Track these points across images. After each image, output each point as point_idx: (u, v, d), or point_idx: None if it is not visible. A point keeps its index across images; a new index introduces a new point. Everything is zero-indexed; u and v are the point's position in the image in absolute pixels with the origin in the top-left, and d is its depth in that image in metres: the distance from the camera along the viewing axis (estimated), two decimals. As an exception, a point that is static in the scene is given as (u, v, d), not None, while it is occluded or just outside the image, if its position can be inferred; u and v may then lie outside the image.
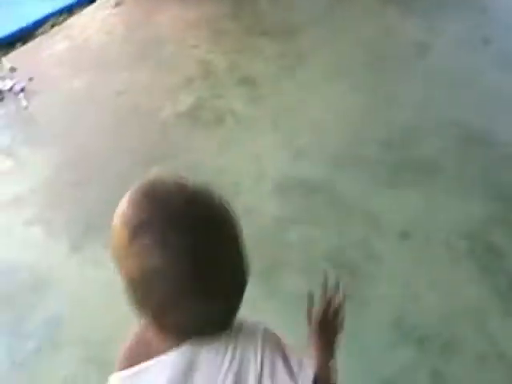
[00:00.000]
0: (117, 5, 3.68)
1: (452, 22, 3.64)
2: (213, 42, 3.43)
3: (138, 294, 1.05)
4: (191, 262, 1.00)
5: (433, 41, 3.49)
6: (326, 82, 3.24)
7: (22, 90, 3.06)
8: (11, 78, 3.11)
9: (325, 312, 1.44)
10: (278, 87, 3.18)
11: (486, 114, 3.13)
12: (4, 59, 3.23)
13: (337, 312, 1.45)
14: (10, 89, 3.06)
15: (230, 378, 1.14)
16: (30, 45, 3.39)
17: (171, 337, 1.12)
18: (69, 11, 3.61)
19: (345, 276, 2.38)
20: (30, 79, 3.11)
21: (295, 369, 1.18)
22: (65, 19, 3.56)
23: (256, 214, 2.41)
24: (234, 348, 1.16)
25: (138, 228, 1.01)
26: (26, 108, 2.99)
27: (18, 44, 3.38)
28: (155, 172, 1.03)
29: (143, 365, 1.16)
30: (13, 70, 3.16)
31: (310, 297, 1.38)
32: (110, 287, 2.18)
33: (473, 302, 2.34)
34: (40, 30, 3.47)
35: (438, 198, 2.71)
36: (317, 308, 1.40)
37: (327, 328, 1.45)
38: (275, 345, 1.19)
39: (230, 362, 1.16)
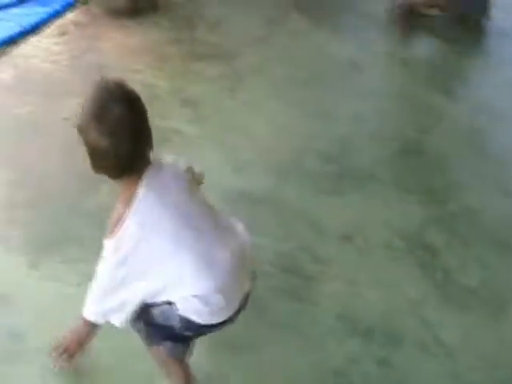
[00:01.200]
0: (61, 34, 3.75)
1: (378, 40, 3.84)
2: (155, 67, 3.54)
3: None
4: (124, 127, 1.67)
5: (363, 58, 3.67)
6: (265, 101, 3.39)
7: (-31, 118, 3.11)
8: (-42, 107, 3.16)
9: None
10: (220, 107, 3.31)
11: (416, 126, 3.32)
12: (-50, 88, 3.28)
13: None
14: (-43, 117, 3.10)
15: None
16: (-24, 74, 3.43)
17: (126, 181, 1.74)
18: (13, 41, 3.66)
19: (292, 279, 2.51)
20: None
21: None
22: (9, 49, 3.61)
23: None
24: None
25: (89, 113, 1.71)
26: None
27: (-36, 74, 3.42)
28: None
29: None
30: (-41, 98, 3.20)
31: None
32: (69, 301, 2.26)
33: (413, 296, 2.49)
34: (-14, 60, 3.52)
35: (377, 204, 2.87)
36: None
37: None
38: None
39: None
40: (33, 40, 3.72)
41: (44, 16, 3.88)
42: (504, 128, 3.38)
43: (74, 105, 3.15)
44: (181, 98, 3.36)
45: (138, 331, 1.94)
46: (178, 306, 1.80)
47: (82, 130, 1.72)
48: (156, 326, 1.88)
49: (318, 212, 2.78)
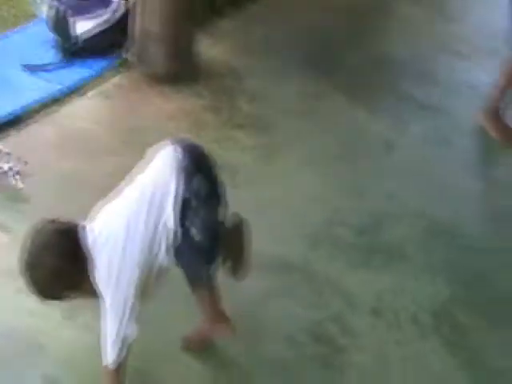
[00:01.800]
0: (103, 97, 4.01)
1: (416, 122, 4.05)
2: (193, 132, 3.76)
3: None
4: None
5: (398, 139, 3.88)
6: (299, 172, 3.60)
7: (18, 172, 3.34)
8: (7, 162, 3.39)
9: None
10: (255, 175, 3.52)
11: (448, 208, 3.50)
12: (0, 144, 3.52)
13: None
14: (6, 171, 3.34)
15: None
16: (23, 131, 3.68)
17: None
18: (58, 100, 3.92)
19: (322, 348, 2.66)
20: (25, 163, 3.39)
21: None
22: (54, 108, 3.87)
23: (234, 289, 2.65)
24: None
25: None
26: (21, 189, 3.27)
27: (11, 130, 3.67)
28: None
29: None
30: (8, 154, 3.44)
31: None
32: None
33: (439, 374, 2.63)
34: (32, 119, 3.77)
35: (406, 280, 3.04)
36: None
37: None
38: None
39: None
40: (76, 100, 3.98)
41: (88, 77, 4.14)
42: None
43: (115, 163, 3.44)
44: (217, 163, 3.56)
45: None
46: None
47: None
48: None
49: (349, 284, 2.95)
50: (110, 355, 2.24)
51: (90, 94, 4.05)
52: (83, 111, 3.90)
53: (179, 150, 2.28)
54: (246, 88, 4.23)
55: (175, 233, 2.22)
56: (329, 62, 4.54)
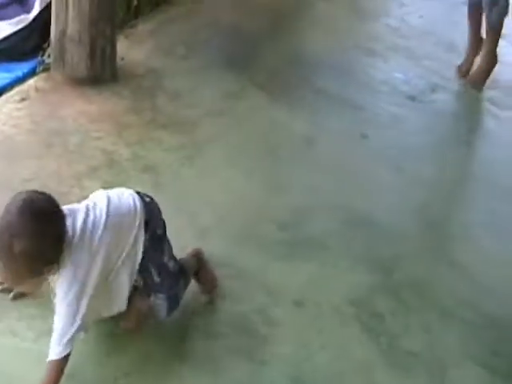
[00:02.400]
0: (22, 100, 3.95)
1: (333, 118, 4.14)
2: (115, 135, 3.75)
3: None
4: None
5: (317, 134, 3.96)
6: (222, 170, 3.63)
7: None
8: None
9: None
10: (178, 175, 3.53)
11: (366, 200, 3.60)
12: None
13: None
14: None
15: None
16: None
17: None
18: (-25, 105, 3.85)
19: (246, 340, 2.70)
20: None
21: None
22: (-30, 113, 3.79)
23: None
24: None
25: None
26: None
27: None
28: None
29: None
30: None
31: None
32: (27, 355, 2.43)
33: (360, 359, 2.70)
34: None
35: (327, 271, 3.11)
36: None
37: None
38: None
39: None
40: (-4, 104, 3.90)
41: (6, 81, 4.07)
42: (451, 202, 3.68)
43: (35, 166, 3.39)
44: (140, 165, 3.57)
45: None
46: None
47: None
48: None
49: (272, 278, 2.99)
50: (56, 350, 2.20)
51: (8, 97, 3.97)
52: (1, 115, 3.81)
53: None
54: (167, 88, 4.24)
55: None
56: (248, 61, 4.60)
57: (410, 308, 2.96)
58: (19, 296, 2.70)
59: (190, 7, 5.16)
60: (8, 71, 4.17)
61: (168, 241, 2.57)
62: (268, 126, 4.05)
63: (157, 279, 2.46)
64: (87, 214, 2.32)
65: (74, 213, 2.31)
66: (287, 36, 4.95)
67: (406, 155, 3.89)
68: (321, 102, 4.07)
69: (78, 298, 2.21)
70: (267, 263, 3.09)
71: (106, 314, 2.48)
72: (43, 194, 2.27)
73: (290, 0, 5.47)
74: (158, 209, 2.55)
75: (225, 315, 2.79)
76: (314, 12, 5.33)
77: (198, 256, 2.82)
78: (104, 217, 2.32)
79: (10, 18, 4.35)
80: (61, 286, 2.22)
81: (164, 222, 2.56)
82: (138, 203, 2.43)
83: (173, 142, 3.77)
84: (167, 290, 2.50)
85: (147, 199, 2.52)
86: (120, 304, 2.46)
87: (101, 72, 4.20)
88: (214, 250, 3.09)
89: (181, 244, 2.82)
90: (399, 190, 3.65)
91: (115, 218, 2.34)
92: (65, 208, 2.31)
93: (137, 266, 2.41)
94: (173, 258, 2.55)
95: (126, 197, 2.45)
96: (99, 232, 2.29)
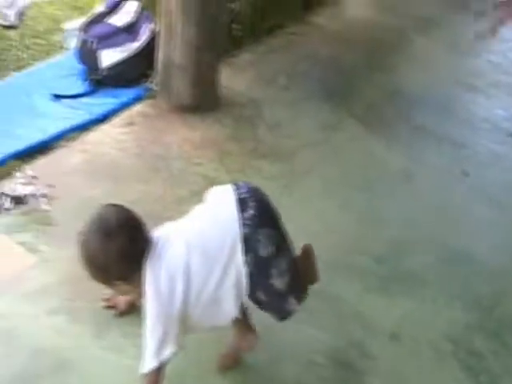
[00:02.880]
0: (129, 124, 4.11)
1: (432, 154, 4.12)
2: (217, 161, 3.85)
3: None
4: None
5: (415, 169, 3.95)
6: (319, 200, 3.67)
7: (44, 195, 3.43)
8: (33, 185, 3.48)
9: None
10: (276, 203, 3.55)
11: (465, 236, 3.57)
12: (27, 168, 3.61)
13: None
14: (33, 194, 3.42)
15: None
16: (50, 156, 3.77)
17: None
18: (84, 128, 4.02)
19: (342, 371, 2.71)
20: (51, 186, 3.48)
21: None
22: (81, 135, 3.96)
23: (257, 313, 2.70)
24: None
25: None
26: (47, 211, 3.35)
27: (39, 155, 3.76)
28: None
29: None
30: (34, 177, 3.53)
31: None
32: (130, 372, 2.50)
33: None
34: (58, 144, 3.87)
35: (424, 306, 3.09)
36: None
37: None
38: None
39: None
40: (102, 128, 4.07)
41: (114, 106, 4.24)
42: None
43: (140, 190, 3.51)
44: (239, 192, 3.63)
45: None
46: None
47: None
48: None
49: (367, 309, 2.99)
50: (146, 366, 2.27)
51: (115, 122, 4.14)
52: (109, 139, 3.98)
53: (251, 202, 2.35)
54: (267, 118, 4.32)
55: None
56: (346, 93, 4.64)
57: (510, 347, 2.90)
58: (124, 313, 2.80)
59: (290, 39, 5.25)
60: (116, 97, 4.35)
61: (284, 254, 2.40)
62: (365, 158, 4.07)
63: (264, 299, 2.36)
64: (171, 239, 2.31)
65: (160, 235, 2.34)
66: (385, 70, 4.96)
67: (508, 193, 3.82)
68: (419, 137, 4.06)
69: (164, 322, 2.22)
70: (362, 294, 3.10)
71: (211, 326, 2.44)
72: (120, 211, 2.36)
73: (388, 34, 5.47)
74: (267, 222, 2.37)
75: (320, 345, 2.82)
76: (412, 47, 5.33)
77: (306, 253, 2.64)
78: (186, 241, 2.29)
79: (120, 45, 4.53)
80: (146, 305, 2.25)
81: (277, 234, 2.41)
82: (235, 225, 2.27)
83: (272, 170, 3.84)
84: (273, 307, 2.43)
85: (250, 213, 2.31)
86: (225, 318, 2.38)
87: (204, 100, 4.32)
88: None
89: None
90: (500, 227, 3.59)
91: (202, 242, 2.29)
92: (156, 229, 2.36)
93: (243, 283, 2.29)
94: (285, 273, 2.35)
95: (223, 219, 2.32)
96: (181, 256, 2.26)
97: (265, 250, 2.29)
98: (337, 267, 3.22)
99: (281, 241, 2.40)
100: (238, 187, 2.40)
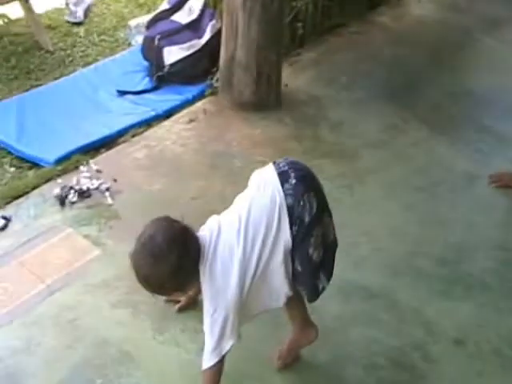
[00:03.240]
0: (190, 121, 4.15)
1: (498, 157, 4.04)
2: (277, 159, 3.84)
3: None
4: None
5: (480, 172, 3.88)
6: (381, 201, 3.64)
7: (108, 189, 3.49)
8: (98, 179, 3.55)
9: None
10: (337, 203, 3.53)
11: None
12: (91, 162, 3.68)
13: None
14: (97, 188, 3.49)
15: None
16: (113, 151, 3.84)
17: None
18: (147, 124, 4.09)
19: (403, 374, 2.69)
20: (115, 180, 3.55)
21: None
22: (144, 130, 4.03)
23: (319, 313, 2.71)
24: None
25: None
26: (111, 205, 3.41)
27: (103, 150, 3.84)
28: None
29: None
30: (99, 171, 3.60)
31: None
32: (189, 366, 2.53)
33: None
34: (122, 139, 3.93)
35: (487, 311, 3.04)
36: None
37: None
38: None
39: None
40: (165, 124, 4.13)
41: (177, 103, 4.30)
42: None
43: (201, 186, 3.55)
44: (300, 191, 3.63)
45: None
46: None
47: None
48: None
49: (431, 313, 2.97)
50: (207, 362, 2.30)
51: (178, 118, 4.20)
52: (171, 134, 4.03)
53: (291, 172, 2.34)
54: (328, 117, 4.31)
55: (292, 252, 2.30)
56: (410, 94, 4.59)
57: None
58: (184, 308, 2.83)
59: (352, 38, 5.22)
60: (179, 93, 4.40)
61: (322, 223, 2.36)
62: (429, 160, 4.02)
63: (299, 268, 2.34)
64: (219, 232, 2.32)
65: (206, 236, 2.33)
66: (451, 71, 4.89)
67: None
68: (485, 141, 4.00)
69: (223, 316, 2.24)
70: (425, 298, 3.07)
71: (265, 308, 2.44)
72: (167, 228, 2.28)
73: (453, 34, 5.40)
74: (309, 187, 2.33)
75: (381, 347, 2.80)
76: (478, 47, 5.25)
77: None
78: (239, 232, 2.29)
79: (183, 42, 4.59)
80: (204, 304, 2.29)
81: (320, 200, 2.35)
82: (278, 198, 2.27)
83: (333, 170, 3.82)
84: (306, 280, 2.39)
85: (291, 182, 2.31)
86: (278, 297, 2.39)
87: (265, 98, 4.34)
88: (370, 280, 3.11)
89: (338, 272, 2.84)
90: None
91: (251, 226, 2.29)
92: (202, 230, 2.37)
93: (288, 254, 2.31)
94: (320, 246, 2.34)
95: (267, 195, 2.31)
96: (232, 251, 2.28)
97: (308, 216, 2.28)
98: (399, 270, 3.21)
99: (322, 205, 2.37)
100: (277, 163, 2.41)
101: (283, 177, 2.32)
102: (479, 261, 3.32)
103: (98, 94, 4.33)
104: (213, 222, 2.40)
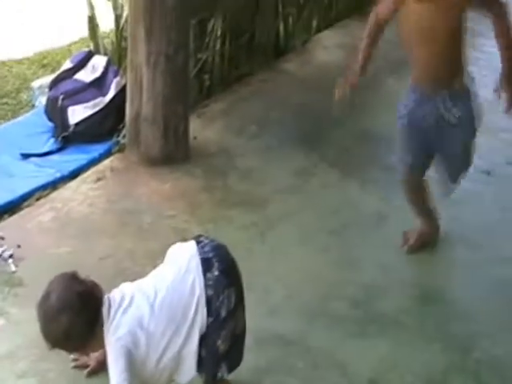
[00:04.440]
0: (98, 180, 4.16)
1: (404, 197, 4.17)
2: (188, 213, 3.91)
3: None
4: None
5: (389, 211, 4.01)
6: (294, 247, 3.72)
7: (11, 256, 3.47)
8: (1, 246, 3.51)
9: None
10: (250, 252, 3.62)
11: (440, 277, 3.64)
12: (-8, 228, 3.65)
13: None
14: (0, 255, 3.46)
15: None
16: (17, 216, 3.82)
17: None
18: (53, 186, 4.08)
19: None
20: (18, 246, 3.52)
21: None
22: (49, 193, 4.02)
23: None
24: None
25: None
26: (14, 272, 3.38)
27: (6, 216, 3.81)
28: None
29: None
30: (1, 238, 3.57)
31: None
32: None
33: None
34: (26, 203, 3.92)
35: (402, 350, 3.12)
36: None
37: None
38: None
39: None
40: (71, 184, 4.14)
41: (83, 162, 4.32)
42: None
43: (110, 245, 3.55)
44: (212, 242, 3.68)
45: None
46: None
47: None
48: None
49: (345, 355, 3.03)
50: None
51: (84, 177, 4.20)
52: (78, 195, 4.03)
53: (215, 261, 2.46)
54: (239, 167, 4.39)
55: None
56: (319, 139, 4.72)
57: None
58: (94, 372, 2.81)
59: (260, 86, 5.36)
60: (85, 153, 4.43)
61: (236, 317, 2.48)
62: (339, 202, 4.13)
63: (203, 354, 2.42)
64: (131, 302, 2.39)
65: (116, 299, 2.40)
66: (356, 113, 5.03)
67: (483, 231, 3.87)
68: (392, 179, 4.12)
69: (126, 378, 2.28)
70: (340, 340, 3.13)
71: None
72: (65, 288, 2.38)
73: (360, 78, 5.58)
74: (231, 282, 2.46)
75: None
76: (383, 89, 5.44)
77: None
78: (148, 306, 2.38)
79: (88, 101, 4.63)
80: (109, 365, 2.33)
81: (238, 293, 2.49)
82: (198, 290, 2.39)
83: (245, 219, 3.89)
84: (208, 367, 2.47)
85: (214, 274, 2.43)
86: (185, 376, 2.47)
87: (174, 151, 4.40)
88: (285, 327, 3.16)
89: (253, 321, 2.88)
90: (475, 266, 3.62)
91: (166, 304, 2.39)
92: (113, 292, 2.45)
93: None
94: (228, 339, 2.45)
95: (186, 283, 2.42)
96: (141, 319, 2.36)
97: (226, 311, 2.40)
98: (313, 314, 3.28)
99: (239, 297, 2.49)
100: (201, 245, 2.50)
101: (206, 265, 2.42)
102: (392, 300, 3.41)
103: (1, 158, 4.31)
104: (127, 287, 2.47)
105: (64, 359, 2.83)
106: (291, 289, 3.44)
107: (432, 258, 3.71)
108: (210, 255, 2.45)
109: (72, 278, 2.41)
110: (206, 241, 2.55)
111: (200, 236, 2.63)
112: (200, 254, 2.45)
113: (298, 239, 3.80)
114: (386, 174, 4.33)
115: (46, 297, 2.35)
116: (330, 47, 6.11)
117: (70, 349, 2.45)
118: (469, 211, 4.03)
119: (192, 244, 2.51)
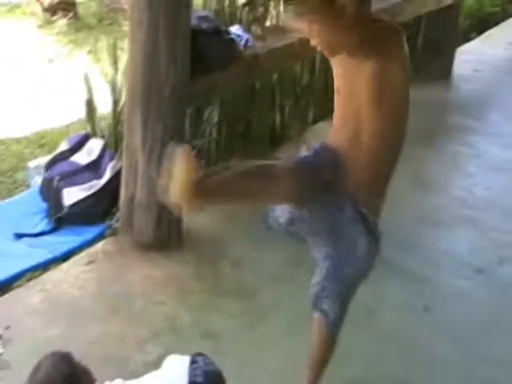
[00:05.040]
0: (89, 262, 4.24)
1: (395, 289, 4.26)
2: (178, 300, 3.97)
3: None
4: None
5: (378, 304, 4.07)
6: (283, 338, 3.76)
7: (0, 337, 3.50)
8: (-11, 325, 3.56)
9: None
10: (239, 341, 3.68)
11: (426, 373, 3.65)
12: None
13: None
14: (-10, 336, 3.51)
15: None
16: (7, 296, 3.87)
17: None
18: (44, 267, 4.15)
19: None
20: (7, 328, 3.56)
21: None
22: (40, 274, 4.09)
23: None
24: None
25: None
26: (1, 354, 3.42)
27: (-4, 295, 3.87)
28: None
29: None
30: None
31: None
32: None
33: None
34: (16, 283, 3.98)
35: None
36: None
37: None
38: None
39: None
40: (63, 266, 4.21)
41: (75, 245, 4.40)
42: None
43: (99, 330, 3.60)
44: (201, 331, 3.75)
45: None
46: None
47: None
48: None
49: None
50: None
51: (76, 260, 4.28)
52: (69, 277, 4.10)
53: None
54: (230, 255, 4.48)
55: None
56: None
57: None
58: None
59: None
60: (78, 235, 4.51)
61: None
62: (330, 293, 4.18)
63: None
64: None
65: None
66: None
67: (471, 330, 3.93)
68: (382, 273, 4.18)
69: None
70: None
71: None
72: (52, 370, 2.46)
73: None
74: None
75: None
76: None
77: None
78: None
79: (83, 183, 4.76)
80: None
81: None
82: None
83: (235, 308, 3.95)
84: None
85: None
86: None
87: (167, 237, 4.49)
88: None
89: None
90: (463, 365, 3.67)
91: None
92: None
93: None
94: None
95: None
96: None
97: None
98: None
99: None
100: (194, 367, 2.57)
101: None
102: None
103: (-7, 238, 4.39)
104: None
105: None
106: (278, 380, 3.48)
107: (419, 355, 3.74)
108: (200, 379, 2.52)
109: (64, 358, 2.46)
110: (201, 363, 2.60)
111: (198, 355, 2.69)
112: (190, 376, 2.52)
113: (287, 330, 3.85)
114: (376, 267, 4.41)
115: (36, 370, 2.44)
116: (326, 138, 6.25)
117: None
118: (458, 308, 4.09)
119: (186, 363, 2.57)
